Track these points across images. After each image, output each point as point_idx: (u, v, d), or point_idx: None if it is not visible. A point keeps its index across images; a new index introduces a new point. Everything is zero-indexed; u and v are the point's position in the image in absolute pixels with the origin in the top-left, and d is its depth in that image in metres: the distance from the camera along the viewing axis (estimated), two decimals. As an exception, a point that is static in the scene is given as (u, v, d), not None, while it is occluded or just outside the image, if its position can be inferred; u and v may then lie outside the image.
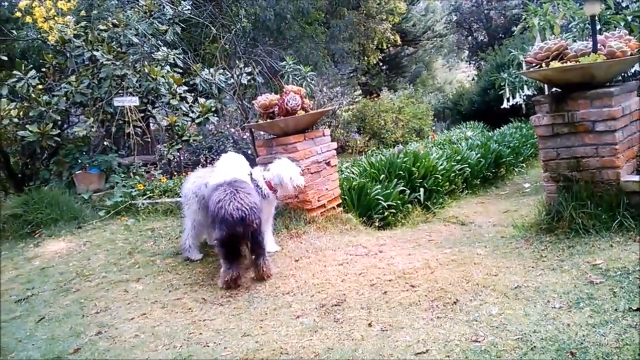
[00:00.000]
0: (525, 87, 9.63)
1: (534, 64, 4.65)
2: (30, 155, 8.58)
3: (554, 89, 4.89)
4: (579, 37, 7.04)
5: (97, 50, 7.34)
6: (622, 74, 6.55)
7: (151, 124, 13.32)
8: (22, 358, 3.50)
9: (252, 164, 6.84)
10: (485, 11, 27.11)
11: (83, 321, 4.11)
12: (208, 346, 3.28)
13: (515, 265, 3.89)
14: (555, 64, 4.38)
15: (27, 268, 5.73)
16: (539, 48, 4.63)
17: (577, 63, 4.28)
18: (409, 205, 7.33)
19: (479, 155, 9.54)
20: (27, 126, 7.08)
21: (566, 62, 4.37)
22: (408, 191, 7.48)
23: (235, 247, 4.35)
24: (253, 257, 4.43)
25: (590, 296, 3.14)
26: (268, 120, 5.70)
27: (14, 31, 8.48)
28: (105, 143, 8.18)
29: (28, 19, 7.10)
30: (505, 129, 12.93)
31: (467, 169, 8.96)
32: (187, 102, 7.84)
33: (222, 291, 4.31)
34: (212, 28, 7.43)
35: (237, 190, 4.30)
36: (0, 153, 8.41)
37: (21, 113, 7.26)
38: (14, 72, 7.28)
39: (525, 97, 9.81)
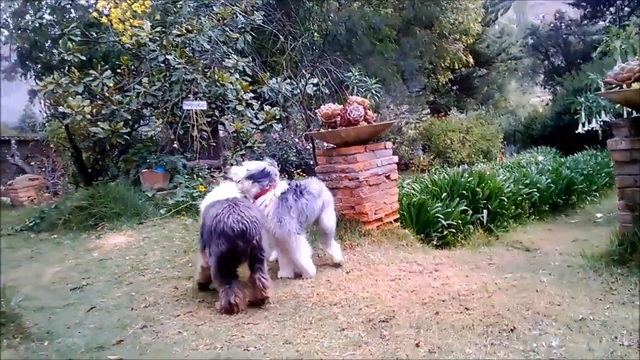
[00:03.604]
0: (602, 112, 9.13)
1: (613, 85, 4.36)
2: (101, 152, 8.92)
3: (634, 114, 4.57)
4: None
5: (170, 55, 7.55)
6: None
7: (220, 132, 13.60)
8: (68, 344, 3.55)
9: (312, 173, 6.80)
10: (564, 35, 26.23)
11: (131, 314, 4.15)
12: (248, 350, 3.21)
13: (581, 296, 3.61)
14: (637, 86, 4.09)
15: (86, 258, 5.90)
16: (620, 69, 4.34)
17: (663, 85, 3.97)
18: (471, 227, 7.05)
19: (549, 180, 9.10)
20: (98, 123, 7.35)
21: (649, 85, 4.08)
22: (471, 212, 7.21)
23: (233, 265, 4.03)
24: (251, 272, 4.06)
25: (664, 336, 2.84)
26: (329, 130, 5.63)
27: (94, 33, 8.86)
28: (174, 145, 8.40)
29: (104, 19, 7.41)
30: (579, 156, 12.31)
31: (536, 193, 8.57)
32: (253, 109, 7.91)
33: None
34: (281, 36, 7.48)
35: (235, 204, 4.05)
36: (73, 148, 8.79)
37: (94, 110, 7.55)
38: (91, 71, 7.60)
39: (602, 123, 9.30)
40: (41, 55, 12.29)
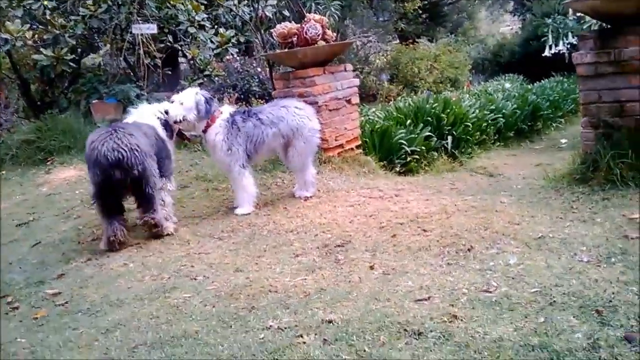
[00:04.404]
0: (570, 34, 8.93)
1: (581, -5, 4.13)
2: (49, 83, 8.41)
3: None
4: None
5: (113, -30, 6.95)
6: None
7: (183, 65, 12.95)
8: (6, 280, 3.35)
9: (270, 99, 6.51)
10: (535, -41, 25.54)
11: (77, 247, 3.96)
12: (196, 279, 3.05)
13: (541, 215, 3.52)
14: (605, -7, 3.88)
15: (34, 194, 5.62)
16: (588, -24, 4.10)
17: (632, -8, 3.76)
18: (435, 153, 6.93)
19: (515, 106, 8.99)
20: (41, 50, 6.83)
21: (618, -8, 3.86)
22: (435, 138, 7.06)
23: (114, 198, 3.75)
24: (140, 209, 3.85)
25: (623, 251, 2.76)
26: (286, 50, 5.31)
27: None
28: (129, 74, 7.92)
29: None
30: (546, 83, 12.19)
31: (501, 119, 8.46)
32: (206, 31, 7.44)
33: (223, 225, 4.07)
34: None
35: (115, 130, 3.65)
36: (19, 79, 8.26)
37: (36, 36, 7.00)
38: (31, -7, 6.99)
39: (568, 46, 9.11)
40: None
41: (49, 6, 7.09)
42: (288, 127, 4.37)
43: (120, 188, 3.72)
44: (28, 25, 6.87)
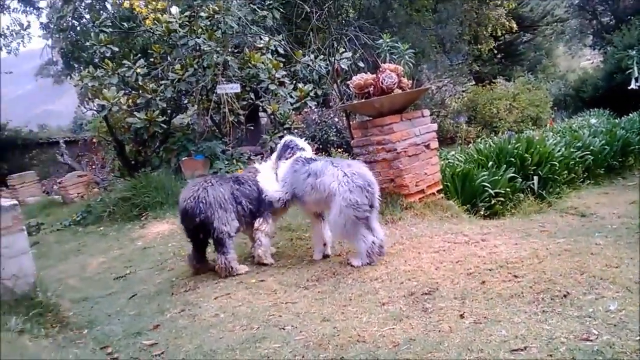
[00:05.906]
0: (659, 65, 8.53)
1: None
2: (142, 143, 9.02)
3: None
4: None
5: (199, 38, 7.47)
6: None
7: (263, 119, 13.54)
8: (105, 331, 3.54)
9: (349, 147, 6.60)
10: (612, -9, 24.83)
11: (171, 299, 4.12)
12: (284, 329, 3.09)
13: (641, 256, 3.32)
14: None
15: (130, 248, 5.96)
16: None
17: None
18: (520, 194, 6.73)
19: (603, 142, 8.60)
20: (135, 113, 7.39)
21: None
22: (520, 179, 6.88)
23: (192, 237, 4.46)
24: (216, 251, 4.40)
25: None
26: (362, 100, 5.42)
27: (127, 25, 8.90)
28: (215, 131, 8.35)
29: (137, 8, 7.41)
30: (635, 116, 11.60)
31: (589, 156, 8.11)
32: (285, 87, 7.77)
33: (308, 275, 4.12)
34: (306, 7, 7.25)
35: (200, 182, 4.35)
36: (115, 141, 8.92)
37: (130, 101, 7.60)
38: (124, 62, 7.63)
39: (658, 77, 8.69)
40: (83, 54, 12.52)
41: (141, 73, 7.69)
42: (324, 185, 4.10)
43: (191, 231, 4.40)
44: (123, 92, 7.47)
